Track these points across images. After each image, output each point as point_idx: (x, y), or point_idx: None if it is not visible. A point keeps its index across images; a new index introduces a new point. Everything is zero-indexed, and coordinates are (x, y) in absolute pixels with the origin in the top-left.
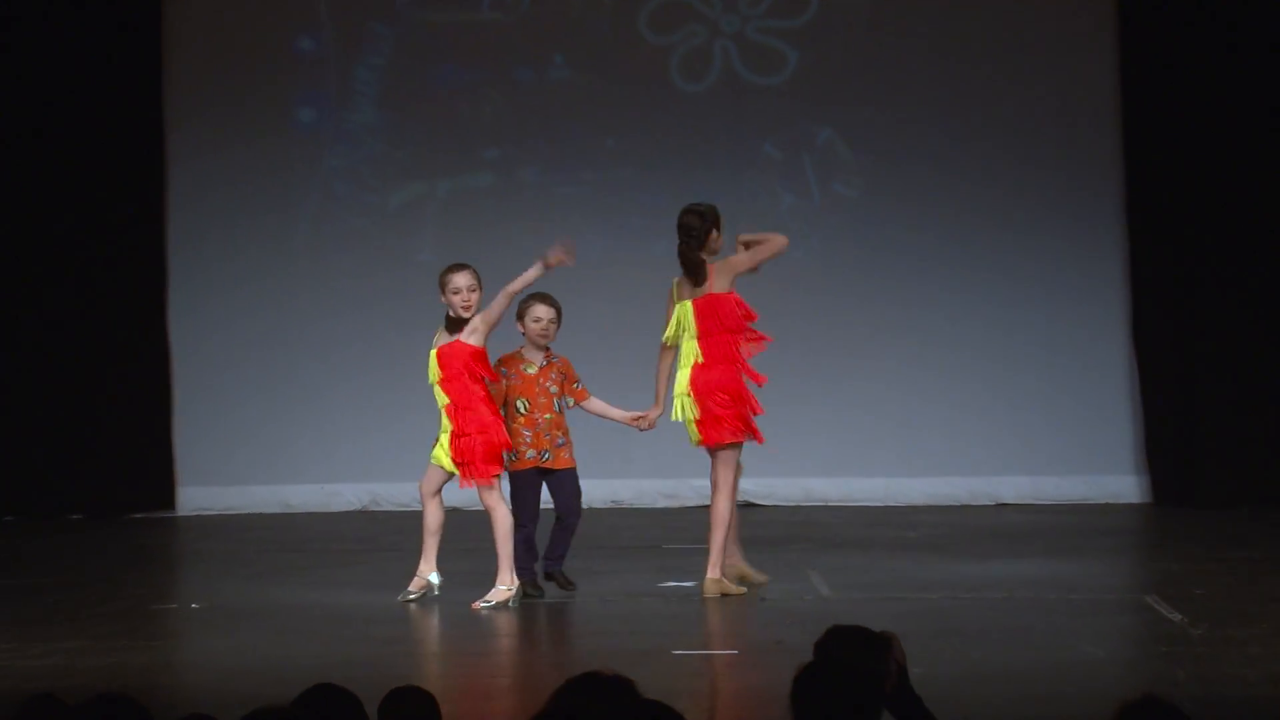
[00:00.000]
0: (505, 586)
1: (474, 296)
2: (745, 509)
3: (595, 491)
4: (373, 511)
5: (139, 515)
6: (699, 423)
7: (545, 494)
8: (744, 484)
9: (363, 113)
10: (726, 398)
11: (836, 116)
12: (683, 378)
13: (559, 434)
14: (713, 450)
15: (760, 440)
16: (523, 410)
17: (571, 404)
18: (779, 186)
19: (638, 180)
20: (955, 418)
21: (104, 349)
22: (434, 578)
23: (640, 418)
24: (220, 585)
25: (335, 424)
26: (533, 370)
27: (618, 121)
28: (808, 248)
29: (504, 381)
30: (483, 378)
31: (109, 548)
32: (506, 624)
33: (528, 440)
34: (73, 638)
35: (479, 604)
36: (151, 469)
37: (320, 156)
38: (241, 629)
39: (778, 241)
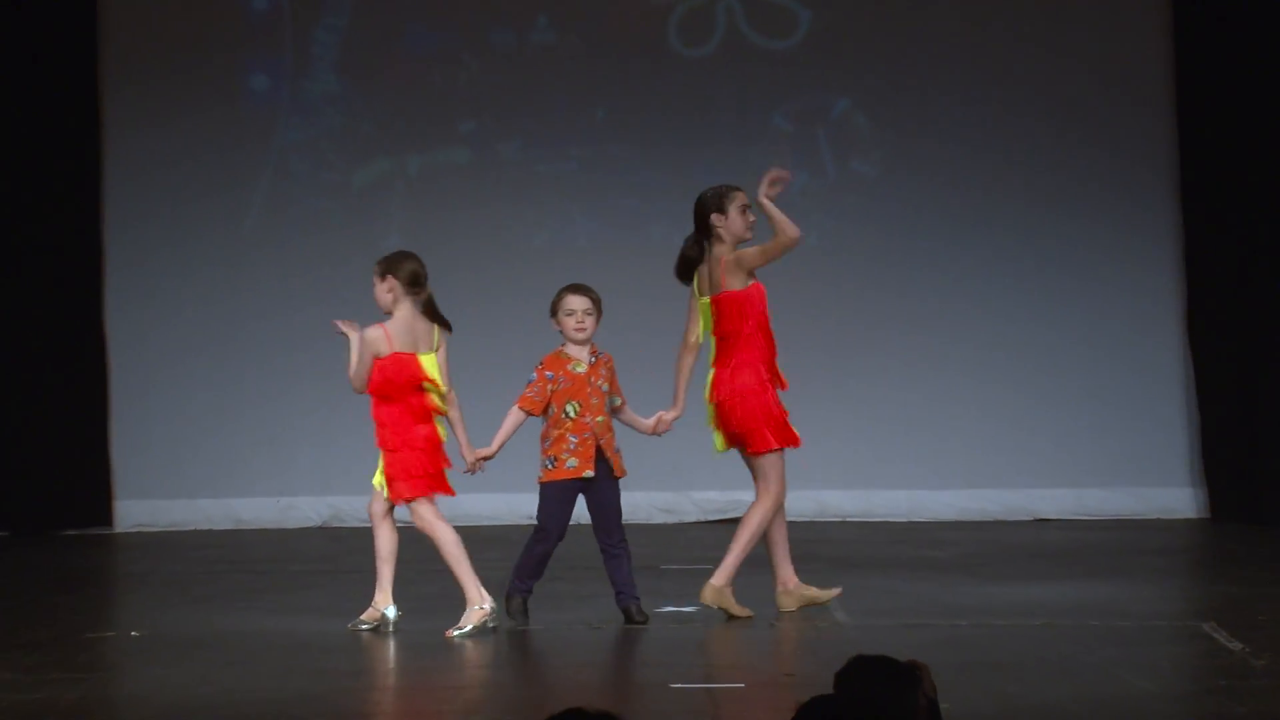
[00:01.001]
0: (478, 605)
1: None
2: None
3: (583, 506)
4: (334, 528)
5: (72, 532)
6: (733, 432)
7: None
8: (751, 497)
9: (322, 80)
10: (753, 403)
11: (854, 85)
12: (708, 381)
13: (612, 436)
14: (751, 460)
15: (796, 444)
16: (572, 414)
17: (618, 404)
18: (790, 163)
19: (631, 157)
20: (988, 423)
21: (31, 346)
22: (390, 611)
23: (658, 421)
24: (163, 611)
25: (292, 430)
26: (582, 369)
27: (609, 91)
28: (822, 232)
29: (549, 386)
30: (423, 385)
31: (37, 568)
32: (483, 654)
33: (571, 448)
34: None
35: (452, 631)
36: (85, 480)
37: (274, 130)
38: (186, 660)
39: (786, 236)
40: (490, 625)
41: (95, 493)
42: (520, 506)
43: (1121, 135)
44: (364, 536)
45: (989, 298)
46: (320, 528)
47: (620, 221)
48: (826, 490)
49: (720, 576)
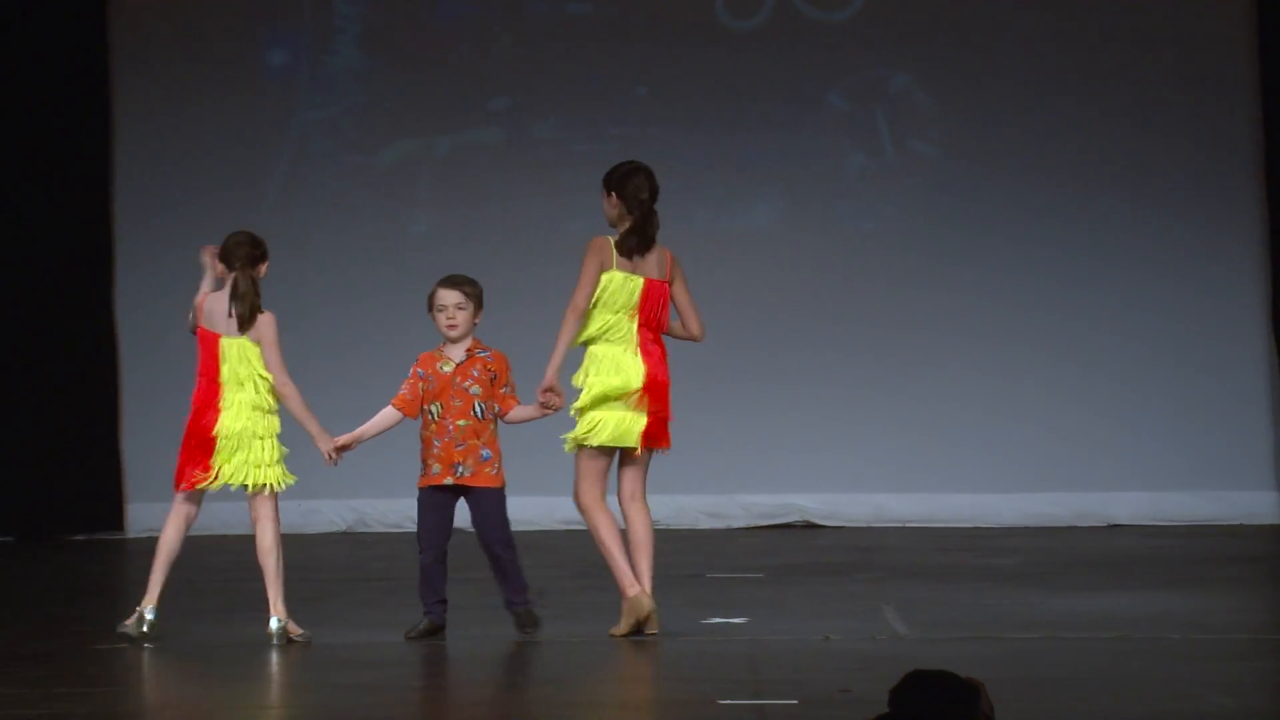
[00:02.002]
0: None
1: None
2: (805, 531)
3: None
4: (359, 533)
5: (81, 537)
6: (656, 424)
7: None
8: (804, 501)
9: (344, 55)
10: (666, 397)
11: (914, 60)
12: (628, 365)
13: (479, 444)
14: (646, 454)
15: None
16: (434, 416)
17: (499, 412)
18: (845, 144)
19: (674, 138)
20: (1057, 424)
21: (39, 341)
22: (273, 623)
23: (546, 396)
24: (176, 620)
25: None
26: (448, 369)
27: (650, 66)
28: (880, 217)
29: (420, 384)
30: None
31: (45, 575)
32: (518, 667)
33: (435, 452)
34: (1, 683)
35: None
36: (96, 483)
37: (293, 109)
38: (202, 672)
39: (696, 324)
40: (275, 642)
41: (106, 496)
42: (557, 511)
43: (1203, 126)
44: (391, 542)
45: (1059, 292)
46: (344, 533)
47: (662, 205)
48: (884, 494)
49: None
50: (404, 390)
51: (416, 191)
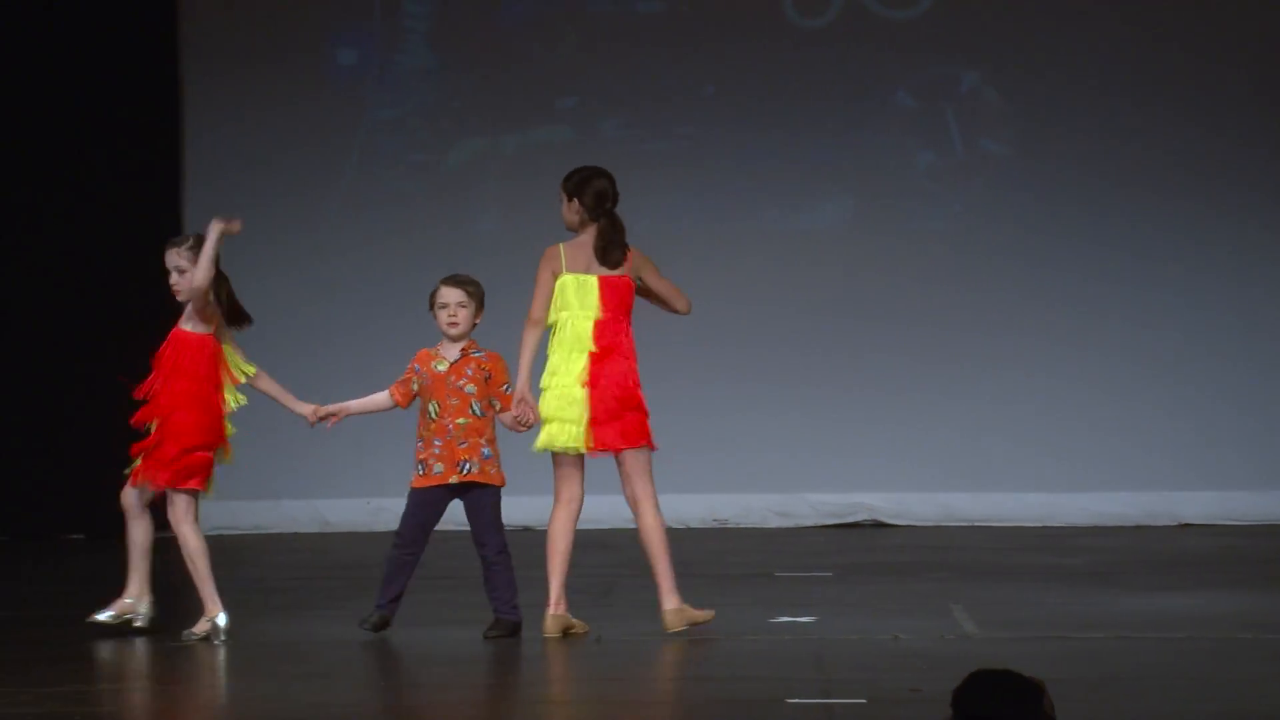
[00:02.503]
0: (205, 617)
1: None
2: (873, 530)
3: (693, 509)
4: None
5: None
6: (594, 423)
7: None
8: (872, 500)
9: (413, 54)
10: (631, 394)
11: (984, 57)
12: (576, 367)
13: (481, 442)
14: (624, 455)
15: (654, 447)
16: (433, 415)
17: (499, 409)
18: (914, 143)
19: (742, 136)
20: (1126, 422)
21: (104, 339)
22: (143, 606)
23: (519, 409)
24: (244, 618)
25: (381, 428)
26: (443, 368)
27: (719, 65)
28: (949, 216)
29: (414, 380)
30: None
31: (110, 573)
32: (587, 667)
33: (436, 451)
34: (66, 681)
35: (185, 633)
36: None
37: (362, 107)
38: (269, 670)
39: (681, 302)
40: (215, 641)
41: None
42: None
43: (1273, 128)
44: (459, 540)
45: (1130, 290)
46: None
47: (730, 204)
48: (951, 493)
49: (671, 598)
50: (400, 380)
51: (484, 191)
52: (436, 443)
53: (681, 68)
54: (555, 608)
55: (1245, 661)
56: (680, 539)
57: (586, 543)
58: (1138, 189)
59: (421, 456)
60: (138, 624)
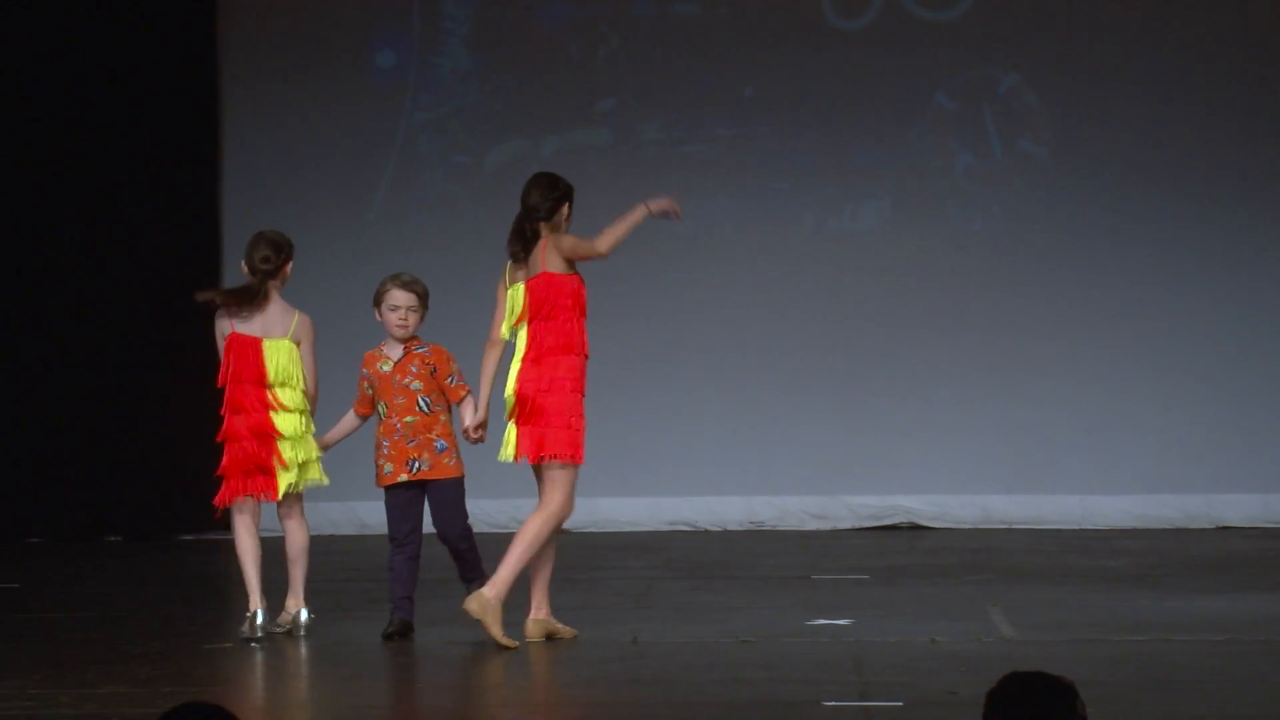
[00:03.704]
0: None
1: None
2: (911, 532)
3: (731, 511)
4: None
5: (188, 537)
6: (521, 430)
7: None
8: (911, 502)
9: (452, 56)
10: (559, 400)
11: (1024, 59)
12: (511, 373)
13: (433, 437)
14: (541, 467)
15: (579, 461)
16: (382, 415)
17: (457, 402)
18: (953, 143)
19: (781, 137)
20: (1167, 424)
21: (145, 344)
22: (302, 614)
23: (478, 432)
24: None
25: None
26: (388, 367)
27: (758, 66)
28: (988, 217)
29: (365, 384)
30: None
31: (152, 575)
32: (627, 668)
33: (385, 452)
34: (109, 682)
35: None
36: (202, 483)
37: (402, 109)
38: (309, 672)
39: (603, 243)
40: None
41: (213, 496)
42: (662, 512)
43: None
44: (497, 543)
45: (1171, 292)
46: (429, 533)
47: (770, 206)
48: (992, 495)
49: (493, 589)
50: (358, 393)
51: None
52: (385, 443)
53: (720, 70)
54: (535, 612)
55: None
56: (718, 541)
57: (624, 545)
58: (1178, 190)
59: (375, 459)
60: (300, 632)
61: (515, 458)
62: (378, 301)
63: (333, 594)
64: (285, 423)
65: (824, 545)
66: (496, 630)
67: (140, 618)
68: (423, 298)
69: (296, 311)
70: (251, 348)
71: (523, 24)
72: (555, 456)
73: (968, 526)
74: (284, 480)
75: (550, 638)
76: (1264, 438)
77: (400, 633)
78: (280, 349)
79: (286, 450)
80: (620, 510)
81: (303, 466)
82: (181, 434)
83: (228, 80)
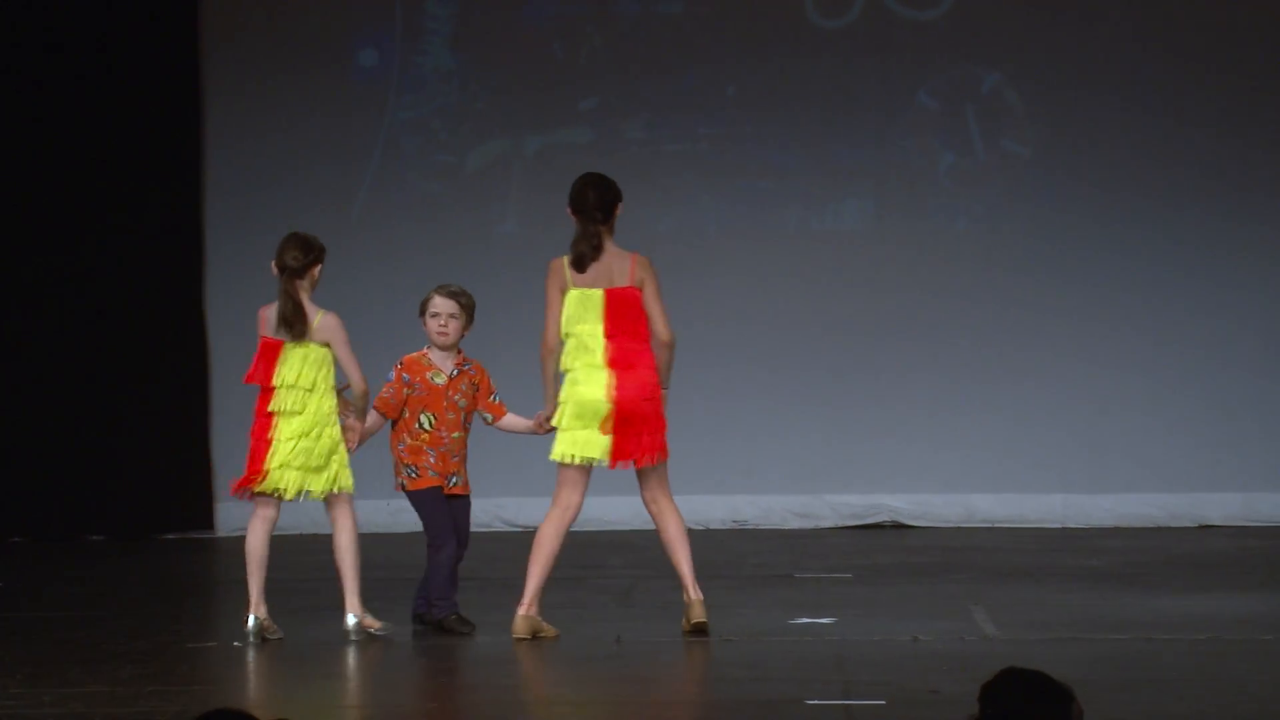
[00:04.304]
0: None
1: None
2: (894, 531)
3: (714, 510)
4: None
5: (171, 536)
6: (620, 436)
7: None
8: (894, 501)
9: (435, 55)
10: (655, 407)
11: (1006, 58)
12: (596, 380)
13: (464, 457)
14: (646, 470)
15: (665, 457)
16: (427, 426)
17: (490, 420)
18: (936, 143)
19: (764, 137)
20: (1149, 423)
21: (129, 341)
22: (349, 619)
23: (544, 420)
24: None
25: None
26: (440, 380)
27: (740, 65)
28: (970, 217)
29: (405, 389)
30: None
31: (135, 574)
32: (605, 668)
33: (431, 461)
34: (93, 682)
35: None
36: (186, 482)
37: (383, 108)
38: (292, 671)
39: (667, 334)
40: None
41: (195, 495)
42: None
43: None
44: (482, 542)
45: (1152, 291)
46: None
47: (752, 206)
48: (975, 494)
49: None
50: (385, 394)
51: (506, 191)
52: (430, 453)
53: (702, 69)
54: (528, 609)
55: (1268, 663)
56: (701, 540)
57: (608, 544)
58: (1160, 191)
59: (410, 461)
60: (353, 636)
61: (611, 463)
62: (422, 310)
63: (309, 594)
64: (291, 427)
65: (807, 544)
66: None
67: (123, 617)
68: (467, 309)
69: (320, 312)
70: (271, 351)
71: (505, 23)
72: (662, 458)
73: (950, 525)
74: (281, 482)
75: (535, 635)
76: (1245, 437)
77: (466, 625)
78: (295, 352)
79: (285, 454)
80: (604, 509)
81: (320, 470)
82: (164, 434)
83: (209, 79)
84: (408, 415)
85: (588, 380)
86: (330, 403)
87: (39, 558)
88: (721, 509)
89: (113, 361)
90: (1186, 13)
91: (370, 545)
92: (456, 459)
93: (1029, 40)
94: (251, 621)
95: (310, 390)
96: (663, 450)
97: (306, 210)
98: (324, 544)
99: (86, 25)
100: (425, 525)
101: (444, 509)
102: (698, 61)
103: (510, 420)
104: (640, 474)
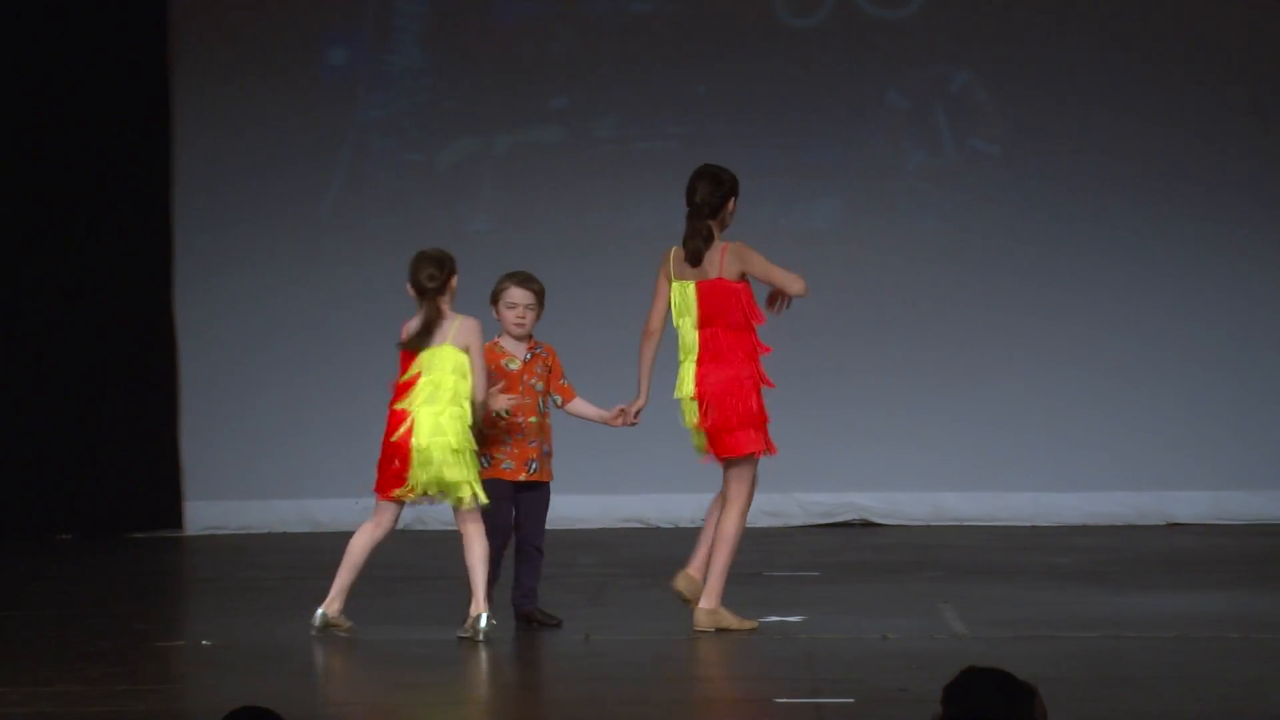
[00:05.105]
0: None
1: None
2: (863, 529)
3: (683, 508)
4: (416, 531)
5: (139, 535)
6: (709, 432)
7: None
8: (863, 500)
9: (405, 53)
10: (737, 400)
11: (975, 56)
12: (686, 375)
13: (544, 441)
14: (728, 463)
15: (774, 451)
16: (505, 413)
17: (559, 403)
18: (905, 142)
19: (735, 135)
20: (1118, 422)
21: (97, 338)
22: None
23: (621, 412)
24: (235, 618)
25: (372, 428)
26: (515, 366)
27: (711, 64)
28: (940, 215)
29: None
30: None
31: (104, 573)
32: (576, 666)
33: (508, 449)
34: (61, 681)
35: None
36: (155, 480)
37: (353, 106)
38: (260, 670)
39: (796, 285)
40: (479, 638)
41: (164, 494)
42: (615, 509)
43: (1268, 133)
44: (451, 540)
45: (1121, 290)
46: (402, 531)
47: None
48: (944, 492)
49: (710, 599)
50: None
51: (477, 190)
52: (507, 440)
53: (673, 68)
54: (707, 601)
55: (1236, 661)
56: (671, 538)
57: (577, 542)
58: (1128, 189)
59: (486, 450)
60: (479, 637)
61: (704, 455)
62: (495, 299)
63: (281, 592)
64: (423, 431)
65: (776, 542)
66: (736, 623)
67: (92, 616)
68: (539, 295)
69: (458, 317)
70: (407, 359)
71: (475, 21)
72: (737, 451)
73: (919, 523)
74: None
75: (721, 630)
76: (1214, 436)
77: (551, 620)
78: (433, 356)
79: (417, 459)
80: (573, 508)
81: (441, 480)
82: (132, 432)
83: (179, 77)
84: (483, 406)
85: (684, 375)
86: (460, 409)
87: (7, 556)
88: (691, 507)
89: (81, 359)
90: (1157, 12)
91: (337, 544)
92: (535, 444)
93: (998, 40)
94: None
95: (439, 391)
96: (742, 445)
97: (276, 209)
98: (304, 541)
99: (55, 23)
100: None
101: (504, 506)
102: (668, 61)
103: (580, 406)
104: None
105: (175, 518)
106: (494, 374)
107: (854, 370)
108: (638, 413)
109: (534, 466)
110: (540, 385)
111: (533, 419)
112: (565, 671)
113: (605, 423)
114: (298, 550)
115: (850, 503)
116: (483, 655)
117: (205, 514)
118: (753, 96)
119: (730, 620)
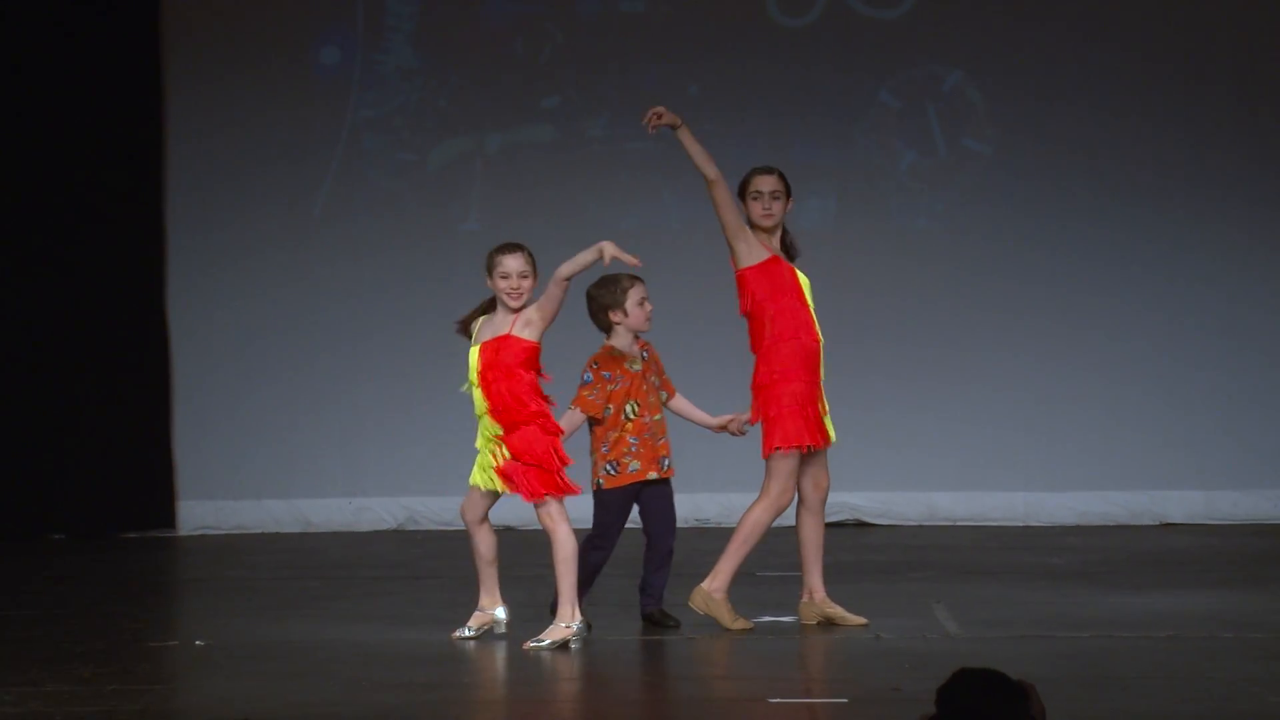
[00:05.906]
0: (565, 624)
1: (525, 284)
2: (856, 529)
3: (681, 509)
4: (408, 531)
5: (132, 535)
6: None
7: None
8: (856, 500)
9: (396, 53)
10: (768, 394)
11: (967, 56)
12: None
13: (668, 437)
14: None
15: (786, 445)
16: (632, 415)
17: (665, 399)
18: (897, 141)
19: (726, 135)
20: (1111, 420)
21: (89, 337)
22: (500, 613)
23: (732, 420)
24: (228, 618)
25: (364, 427)
26: (637, 367)
27: (702, 64)
28: (932, 214)
29: (607, 386)
30: (538, 381)
31: (96, 573)
32: (570, 666)
33: (633, 450)
34: (53, 681)
35: (531, 643)
36: (147, 480)
37: (345, 106)
38: (252, 670)
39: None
40: (572, 645)
41: (157, 493)
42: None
43: (1266, 127)
44: (441, 539)
45: (1113, 289)
46: (394, 531)
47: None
48: (937, 492)
49: (712, 580)
50: (590, 395)
51: (468, 188)
52: (633, 441)
53: (665, 67)
54: (812, 595)
55: (1228, 661)
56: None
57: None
58: (1120, 188)
59: (612, 456)
60: (499, 632)
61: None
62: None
63: (273, 591)
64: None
65: (769, 542)
66: (728, 620)
67: (83, 616)
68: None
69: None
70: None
71: (467, 21)
72: (767, 450)
73: (912, 523)
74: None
75: (830, 621)
76: (1206, 435)
77: (670, 621)
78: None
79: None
80: (572, 507)
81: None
82: (125, 432)
83: (171, 77)
84: (612, 411)
85: None
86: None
87: None
88: (683, 507)
89: (74, 359)
90: (1146, 12)
91: (330, 544)
92: (663, 441)
93: (990, 39)
94: (502, 612)
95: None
96: (772, 439)
97: (269, 208)
98: (297, 541)
99: (47, 21)
100: (595, 523)
101: (623, 517)
102: (659, 60)
103: (682, 404)
104: None
105: (168, 517)
106: (620, 377)
107: (845, 369)
108: (747, 422)
109: (665, 463)
110: (657, 381)
111: (657, 416)
112: (557, 670)
113: (708, 427)
114: (290, 550)
115: (843, 503)
116: (474, 654)
117: (198, 514)
118: (744, 96)
119: (724, 614)
